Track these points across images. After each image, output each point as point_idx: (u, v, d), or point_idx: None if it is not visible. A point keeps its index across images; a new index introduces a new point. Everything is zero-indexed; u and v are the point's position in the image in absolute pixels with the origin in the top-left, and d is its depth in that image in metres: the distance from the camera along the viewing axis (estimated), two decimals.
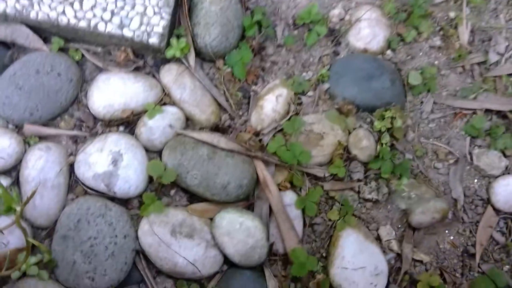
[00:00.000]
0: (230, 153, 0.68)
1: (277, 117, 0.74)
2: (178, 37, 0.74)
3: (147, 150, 0.69)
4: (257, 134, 0.73)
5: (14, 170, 0.65)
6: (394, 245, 0.70)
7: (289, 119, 0.74)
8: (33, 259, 0.56)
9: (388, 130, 0.75)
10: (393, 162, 0.73)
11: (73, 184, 0.66)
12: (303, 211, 0.69)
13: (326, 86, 0.77)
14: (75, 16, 0.68)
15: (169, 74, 0.73)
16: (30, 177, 0.63)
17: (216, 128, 0.73)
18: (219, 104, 0.75)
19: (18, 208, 0.44)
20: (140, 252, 0.64)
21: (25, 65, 0.68)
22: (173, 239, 0.63)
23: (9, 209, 0.48)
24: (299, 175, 0.71)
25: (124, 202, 0.66)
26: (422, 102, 0.81)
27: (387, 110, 0.75)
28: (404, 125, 0.76)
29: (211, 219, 0.66)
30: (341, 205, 0.71)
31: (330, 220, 0.70)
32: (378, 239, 0.71)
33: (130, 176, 0.65)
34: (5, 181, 0.63)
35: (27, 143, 0.67)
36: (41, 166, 0.63)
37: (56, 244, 0.61)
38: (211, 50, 0.74)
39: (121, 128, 0.71)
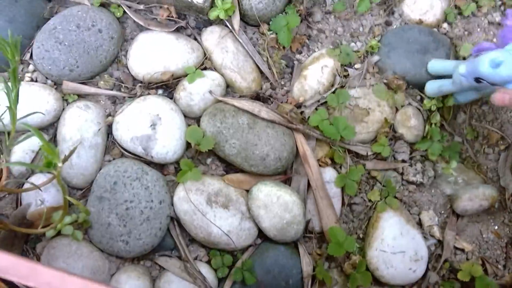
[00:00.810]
0: (270, 124, 0.66)
1: (321, 89, 0.70)
2: None
3: (185, 115, 0.67)
4: (299, 105, 0.70)
5: (51, 127, 0.64)
6: (436, 231, 0.67)
7: (333, 91, 0.70)
8: (68, 219, 0.56)
9: (438, 109, 0.70)
10: (442, 143, 0.69)
11: (110, 145, 0.65)
12: (343, 189, 0.66)
13: (375, 58, 0.72)
14: None
15: (211, 37, 0.69)
16: (68, 135, 0.62)
17: (257, 97, 0.70)
18: (261, 72, 0.71)
19: (60, 164, 0.43)
20: (174, 219, 0.63)
21: (66, 19, 0.65)
22: (209, 208, 0.61)
23: (50, 164, 0.47)
24: (341, 151, 0.67)
25: (160, 167, 0.65)
26: None
27: None
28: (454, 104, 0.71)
29: (247, 190, 0.65)
30: (383, 186, 0.67)
31: (370, 200, 0.67)
32: (419, 224, 0.68)
33: (168, 140, 0.63)
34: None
35: (65, 100, 0.65)
36: (80, 124, 0.62)
37: (91, 205, 0.60)
38: (256, 13, 0.70)
39: (160, 91, 0.69)
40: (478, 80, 0.56)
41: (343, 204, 0.67)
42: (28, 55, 0.66)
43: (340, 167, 0.68)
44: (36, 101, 0.62)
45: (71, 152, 0.50)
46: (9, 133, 0.51)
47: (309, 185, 0.66)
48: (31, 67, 0.66)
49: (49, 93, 0.63)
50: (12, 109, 0.47)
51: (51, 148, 0.40)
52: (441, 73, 0.67)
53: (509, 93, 0.53)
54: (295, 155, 0.67)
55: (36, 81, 0.66)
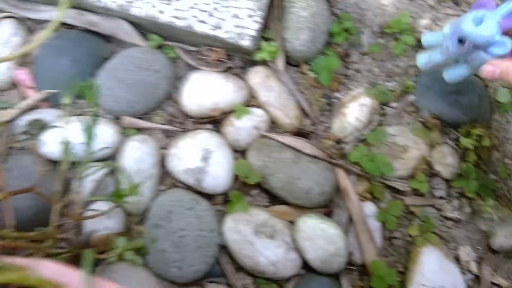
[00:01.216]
0: (313, 159, 0.69)
1: (360, 126, 0.74)
2: (267, 40, 0.75)
3: (232, 149, 0.71)
4: (338, 142, 0.74)
5: (111, 159, 0.69)
6: (473, 267, 0.69)
7: (373, 129, 0.74)
8: (129, 245, 0.60)
9: (475, 148, 0.73)
10: (478, 181, 0.71)
11: (163, 176, 0.70)
12: (383, 223, 0.69)
13: (411, 97, 0.77)
14: (174, 16, 0.71)
15: (257, 77, 0.75)
16: (127, 166, 0.66)
17: (299, 133, 0.74)
18: (302, 109, 0.76)
19: (130, 199, 0.47)
20: (223, 247, 0.66)
21: (126, 60, 0.71)
22: (256, 238, 0.65)
23: (119, 197, 0.51)
24: (380, 187, 0.71)
25: (209, 197, 0.69)
26: (508, 121, 0.78)
27: (474, 127, 0.73)
28: (490, 144, 0.74)
29: (291, 222, 0.68)
30: (422, 221, 0.70)
31: (409, 235, 0.70)
32: (457, 259, 0.70)
33: (219, 173, 0.67)
34: (103, 170, 0.67)
35: (123, 134, 0.71)
36: (138, 156, 0.67)
37: (147, 232, 0.64)
38: (299, 54, 0.75)
39: (209, 126, 0.73)
40: (461, 40, 0.54)
41: (383, 238, 0.69)
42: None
43: (380, 202, 0.71)
44: (101, 134, 0.67)
45: (137, 187, 0.55)
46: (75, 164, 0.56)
47: (350, 219, 0.69)
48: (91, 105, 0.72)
49: (111, 127, 0.68)
50: (89, 144, 0.52)
51: (133, 186, 0.45)
52: (434, 45, 0.66)
53: (499, 66, 0.51)
54: (336, 190, 0.70)
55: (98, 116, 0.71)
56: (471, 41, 0.53)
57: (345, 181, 0.70)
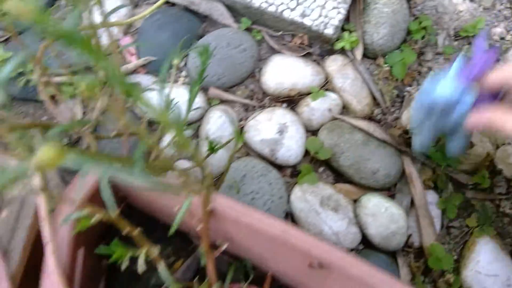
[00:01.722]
0: (382, 144, 0.74)
1: None
2: (348, 31, 0.80)
3: (305, 128, 0.77)
4: (406, 132, 0.78)
5: (195, 124, 0.77)
6: None
7: None
8: None
9: None
10: None
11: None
12: (443, 212, 0.73)
13: None
14: (266, 1, 0.78)
15: (334, 64, 0.80)
16: (210, 132, 0.74)
17: (368, 120, 0.79)
18: (374, 98, 0.80)
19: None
20: (289, 214, 0.72)
21: (218, 38, 0.79)
22: (321, 209, 0.70)
23: (212, 150, 0.58)
24: (444, 177, 0.74)
25: (279, 168, 0.75)
26: None
27: None
28: None
29: (354, 201, 0.73)
30: (481, 214, 0.73)
31: (467, 226, 0.73)
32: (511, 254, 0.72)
33: (292, 146, 0.73)
34: (187, 132, 0.75)
35: (209, 103, 0.78)
36: (220, 124, 0.74)
37: (222, 192, 0.71)
38: (377, 47, 0.80)
39: (284, 105, 0.80)
40: (432, 111, 0.55)
41: (442, 225, 0.72)
42: (183, 63, 0.81)
43: (441, 192, 0.74)
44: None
45: (222, 146, 0.62)
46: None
47: (411, 203, 0.73)
48: (183, 73, 0.80)
49: (199, 95, 0.76)
50: (191, 103, 0.59)
51: (218, 145, 0.52)
52: (421, 126, 0.63)
53: (483, 117, 0.49)
54: (401, 175, 0.74)
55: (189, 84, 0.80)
56: (439, 106, 0.52)
57: (411, 168, 0.74)
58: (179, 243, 0.57)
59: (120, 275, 0.55)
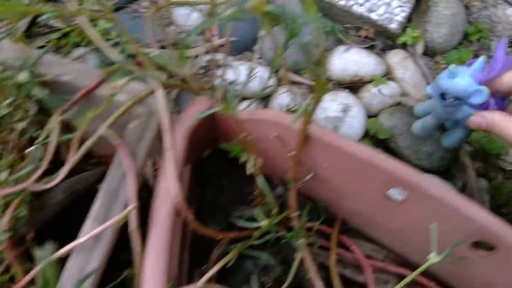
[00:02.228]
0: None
1: None
2: (411, 28, 0.88)
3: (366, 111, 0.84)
4: None
5: (264, 100, 0.85)
6: None
7: None
8: None
9: None
10: None
11: None
12: (492, 197, 0.77)
13: None
14: None
15: (396, 57, 0.87)
16: (277, 106, 0.81)
17: None
18: None
19: None
20: None
21: None
22: None
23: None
24: (495, 167, 0.79)
25: None
26: None
27: None
28: None
29: None
30: None
31: None
32: None
33: (354, 124, 0.80)
34: (254, 105, 0.83)
35: (278, 83, 0.86)
36: (287, 102, 0.82)
37: None
38: (436, 45, 0.87)
39: (347, 90, 0.87)
40: (443, 96, 0.58)
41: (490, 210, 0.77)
42: (258, 46, 0.90)
43: (492, 180, 0.79)
44: (263, 78, 0.83)
45: (297, 115, 0.69)
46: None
47: (463, 187, 0.77)
48: (256, 55, 0.89)
49: (271, 76, 0.84)
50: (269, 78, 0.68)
51: None
52: (426, 113, 0.71)
53: (486, 117, 0.52)
54: (455, 161, 0.79)
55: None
56: (451, 94, 0.56)
57: (464, 155, 0.79)
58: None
59: (206, 208, 0.63)
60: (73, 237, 0.46)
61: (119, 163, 0.49)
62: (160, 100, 0.48)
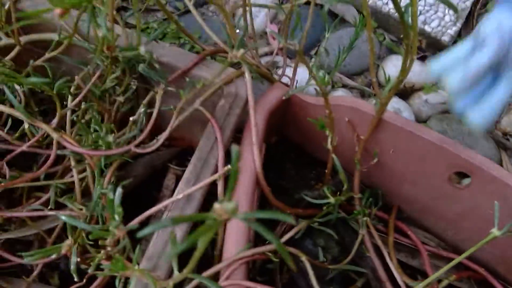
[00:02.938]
0: (484, 137, 0.84)
1: None
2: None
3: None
4: (505, 134, 0.87)
5: None
6: None
7: None
8: None
9: None
10: None
11: None
12: None
13: None
14: (392, 8, 0.93)
15: None
16: None
17: None
18: None
19: None
20: None
21: (348, 33, 0.94)
22: None
23: None
24: None
25: None
26: None
27: None
28: None
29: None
30: None
31: None
32: None
33: None
34: None
35: (333, 86, 0.92)
36: None
37: None
38: None
39: (397, 96, 0.92)
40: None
41: None
42: (315, 51, 0.96)
43: None
44: None
45: None
46: None
47: None
48: (313, 60, 0.96)
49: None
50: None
51: None
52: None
53: None
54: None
55: None
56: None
57: (507, 161, 0.83)
58: (319, 170, 0.69)
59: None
60: (149, 207, 0.50)
61: (209, 134, 0.55)
62: (248, 82, 0.55)
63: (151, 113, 0.53)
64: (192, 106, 0.55)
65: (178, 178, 0.72)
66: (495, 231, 0.44)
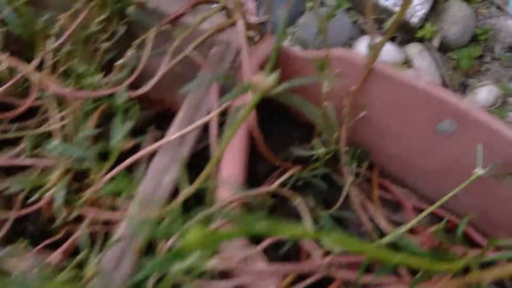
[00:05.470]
0: None
1: (487, 104, 0.93)
2: (430, 23, 0.98)
3: None
4: None
5: None
6: None
7: (497, 107, 0.92)
8: None
9: None
10: None
11: None
12: None
13: None
14: None
15: (414, 48, 0.97)
16: None
17: None
18: (443, 81, 0.96)
19: None
20: None
21: (323, 13, 0.97)
22: None
23: None
24: None
25: None
26: None
27: None
28: None
29: None
30: None
31: None
32: None
33: None
34: None
35: None
36: None
37: None
38: (450, 41, 0.97)
39: None
40: None
41: None
42: (292, 29, 0.98)
43: None
44: None
45: None
46: None
47: None
48: (289, 37, 0.97)
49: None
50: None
51: None
52: None
53: None
54: None
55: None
56: None
57: None
58: (303, 131, 0.70)
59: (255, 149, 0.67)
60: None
61: (203, 76, 0.54)
62: (241, 29, 0.54)
63: (139, 59, 0.51)
64: (183, 52, 0.53)
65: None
66: (479, 170, 0.46)
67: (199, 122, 0.50)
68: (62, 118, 0.53)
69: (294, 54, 0.60)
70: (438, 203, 0.45)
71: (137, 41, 0.53)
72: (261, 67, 0.58)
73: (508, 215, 0.58)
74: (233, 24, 0.57)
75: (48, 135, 0.52)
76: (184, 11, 0.56)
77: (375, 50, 0.53)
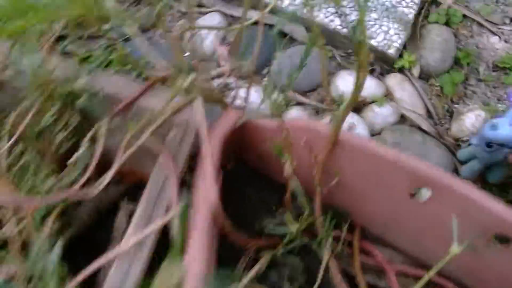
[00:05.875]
0: (438, 144, 0.86)
1: (475, 131, 0.90)
2: (408, 53, 0.95)
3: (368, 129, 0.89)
4: (456, 140, 0.90)
5: None
6: None
7: None
8: None
9: None
10: None
11: None
12: None
13: None
14: (340, 25, 0.94)
15: (393, 79, 0.94)
16: None
17: (421, 129, 0.91)
18: (428, 111, 0.93)
19: None
20: None
21: (298, 51, 0.94)
22: None
23: None
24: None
25: None
26: None
27: None
28: None
29: None
30: None
31: None
32: None
33: None
34: None
35: (286, 104, 0.92)
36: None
37: None
38: (431, 69, 0.94)
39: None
40: (489, 144, 0.71)
41: None
42: (267, 70, 0.95)
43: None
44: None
45: None
46: None
47: None
48: (264, 79, 0.95)
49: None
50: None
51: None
52: (470, 156, 0.82)
53: None
54: (454, 173, 0.85)
55: None
56: (495, 142, 0.70)
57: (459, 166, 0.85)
58: (280, 193, 0.67)
59: (229, 218, 0.65)
60: (102, 253, 0.46)
61: (159, 170, 0.52)
62: (199, 110, 0.52)
63: (93, 152, 0.49)
64: (140, 139, 0.51)
65: (131, 215, 0.68)
66: (454, 248, 0.44)
67: (157, 225, 0.48)
68: (19, 222, 0.51)
69: (260, 125, 0.58)
70: (426, 277, 0.43)
71: (88, 136, 0.51)
72: (225, 144, 0.56)
73: (498, 276, 0.55)
74: (191, 102, 0.55)
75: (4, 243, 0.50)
76: (139, 95, 0.54)
77: (337, 121, 0.50)
